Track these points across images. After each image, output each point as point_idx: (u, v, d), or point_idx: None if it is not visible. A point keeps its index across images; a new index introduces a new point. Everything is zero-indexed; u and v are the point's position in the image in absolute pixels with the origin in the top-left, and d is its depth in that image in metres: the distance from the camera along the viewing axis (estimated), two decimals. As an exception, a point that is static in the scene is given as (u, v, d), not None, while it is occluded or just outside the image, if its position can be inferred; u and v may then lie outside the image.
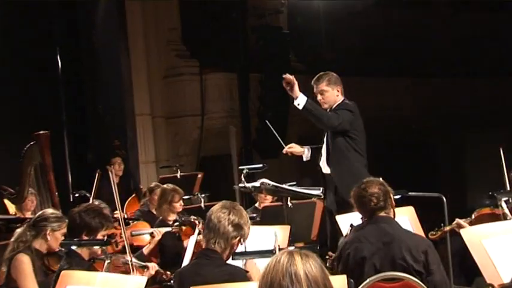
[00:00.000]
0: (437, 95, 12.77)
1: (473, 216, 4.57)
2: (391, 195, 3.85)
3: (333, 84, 5.51)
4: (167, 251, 5.59)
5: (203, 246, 3.49)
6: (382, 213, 3.79)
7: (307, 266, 2.14)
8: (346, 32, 11.99)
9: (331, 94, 5.50)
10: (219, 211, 3.39)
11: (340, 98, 5.54)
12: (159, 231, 5.54)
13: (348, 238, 3.89)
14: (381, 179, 3.98)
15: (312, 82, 5.59)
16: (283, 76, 5.32)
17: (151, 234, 5.55)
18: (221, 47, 10.72)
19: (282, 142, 5.76)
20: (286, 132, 10.13)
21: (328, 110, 5.50)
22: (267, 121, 6.13)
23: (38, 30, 9.34)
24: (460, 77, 12.92)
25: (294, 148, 5.65)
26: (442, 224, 4.97)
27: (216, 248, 3.35)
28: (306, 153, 5.67)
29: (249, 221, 3.51)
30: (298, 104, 5.27)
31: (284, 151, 5.66)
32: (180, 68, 10.86)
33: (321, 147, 5.66)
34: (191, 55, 10.96)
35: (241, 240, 3.40)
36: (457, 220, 4.56)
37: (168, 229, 5.63)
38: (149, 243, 5.53)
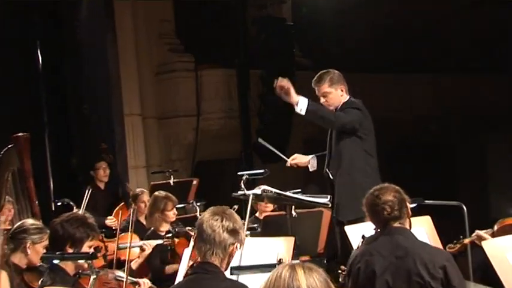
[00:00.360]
0: (456, 93, 12.77)
1: (495, 228, 4.56)
2: (408, 204, 3.83)
3: (336, 83, 5.53)
4: (157, 266, 5.60)
5: (198, 259, 3.48)
6: (397, 224, 3.77)
7: (310, 280, 2.14)
8: (357, 24, 11.99)
9: (335, 95, 5.53)
10: (210, 219, 3.36)
11: (345, 97, 5.58)
12: (150, 244, 5.54)
13: (358, 251, 3.88)
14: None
15: (313, 84, 5.61)
16: (276, 84, 5.34)
17: (141, 248, 5.54)
18: (219, 41, 10.72)
19: (283, 156, 5.78)
20: (290, 135, 10.14)
21: (333, 110, 5.54)
22: (260, 139, 6.15)
23: (17, 22, 9.35)
24: (481, 73, 12.91)
25: (297, 159, 5.68)
26: (462, 236, 4.96)
27: (214, 260, 3.33)
28: (311, 162, 5.70)
29: (243, 224, 3.51)
30: (301, 110, 5.30)
31: (288, 164, 5.69)
32: (173, 63, 10.86)
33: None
34: (185, 49, 10.96)
35: (238, 246, 3.39)
36: (477, 232, 4.55)
37: (160, 241, 5.63)
38: (138, 257, 5.53)
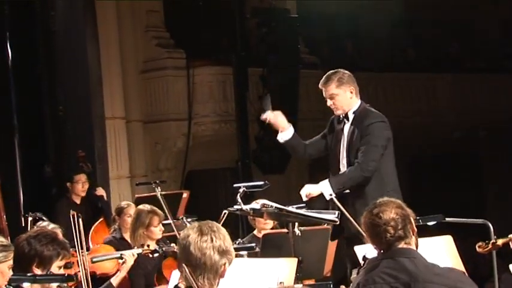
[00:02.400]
0: (483, 96, 12.81)
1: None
2: (411, 220, 3.81)
3: (345, 84, 5.61)
4: (138, 275, 5.62)
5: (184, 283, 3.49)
6: (402, 245, 3.75)
7: None
8: (371, 17, 12.02)
9: (344, 97, 5.61)
10: (198, 240, 3.35)
11: (356, 101, 5.65)
12: (131, 254, 5.55)
13: (360, 278, 3.87)
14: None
15: (320, 85, 5.70)
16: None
17: (121, 258, 5.55)
18: (213, 35, 10.76)
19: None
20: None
21: (342, 113, 5.61)
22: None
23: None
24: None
25: (277, 118, 5.81)
26: (495, 237, 4.97)
27: (204, 284, 3.36)
28: (286, 132, 5.80)
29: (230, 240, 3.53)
30: (330, 195, 5.41)
31: (267, 114, 5.84)
32: (162, 60, 10.90)
33: (319, 140, 5.78)
34: (176, 44, 11.00)
35: (228, 264, 3.41)
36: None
37: (139, 250, 5.65)
38: (118, 270, 5.53)
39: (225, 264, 3.39)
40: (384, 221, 3.72)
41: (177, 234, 5.54)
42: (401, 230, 3.74)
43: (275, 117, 5.87)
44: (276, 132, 6.01)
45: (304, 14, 11.48)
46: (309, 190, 5.60)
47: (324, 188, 5.49)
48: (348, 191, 5.66)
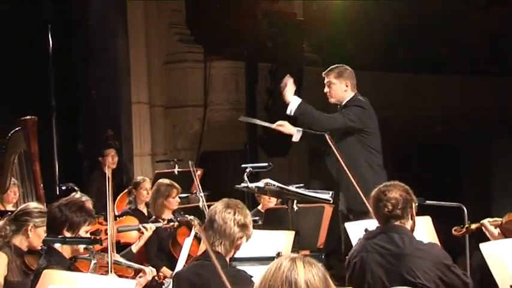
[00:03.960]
0: (465, 94, 12.77)
1: (504, 220, 4.53)
2: (413, 205, 3.81)
3: (343, 77, 5.64)
4: (154, 248, 5.64)
5: (200, 248, 3.53)
6: (397, 223, 3.77)
7: (309, 275, 2.14)
8: (369, 22, 11.97)
9: (338, 87, 5.65)
10: (223, 211, 3.44)
11: (350, 94, 5.67)
12: (150, 227, 5.58)
13: (357, 246, 3.90)
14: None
15: (323, 73, 5.74)
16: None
17: (140, 230, 5.58)
18: (228, 33, 10.72)
19: (267, 124, 5.89)
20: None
21: (338, 106, 5.60)
22: (241, 118, 6.24)
23: (28, 5, 9.37)
24: (491, 75, 12.90)
25: (284, 127, 5.75)
26: (469, 222, 4.96)
27: (220, 249, 3.40)
28: (296, 134, 5.78)
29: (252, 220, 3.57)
30: (291, 111, 5.46)
31: (274, 126, 5.76)
32: (182, 53, 10.89)
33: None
34: (195, 40, 10.98)
35: (245, 240, 3.48)
36: (484, 221, 4.52)
37: (160, 224, 5.67)
38: (138, 239, 5.56)
39: (242, 237, 3.46)
40: (387, 197, 3.77)
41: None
42: (400, 210, 3.76)
43: (281, 128, 5.78)
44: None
45: (309, 18, 11.45)
46: (283, 122, 5.61)
47: (294, 101, 5.52)
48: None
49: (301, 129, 5.83)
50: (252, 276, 3.41)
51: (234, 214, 3.44)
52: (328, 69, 5.75)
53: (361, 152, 5.58)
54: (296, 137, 5.81)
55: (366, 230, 3.98)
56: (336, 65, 5.77)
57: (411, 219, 3.81)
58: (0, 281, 4.09)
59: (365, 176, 5.42)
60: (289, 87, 5.77)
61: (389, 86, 12.55)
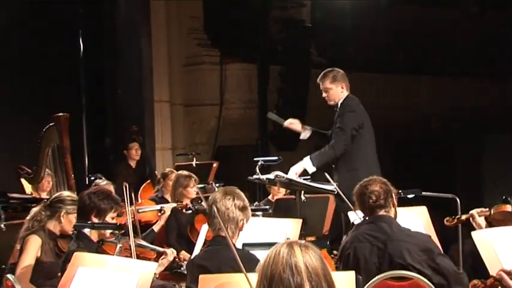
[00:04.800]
0: (459, 94, 12.70)
1: (492, 211, 4.52)
2: (393, 195, 3.85)
3: (338, 81, 5.65)
4: (174, 234, 5.65)
5: (211, 234, 3.54)
6: (382, 212, 3.80)
7: (307, 257, 2.14)
8: (369, 27, 11.94)
9: (336, 91, 5.68)
10: (223, 199, 3.47)
11: (345, 94, 5.69)
12: (168, 207, 5.59)
13: (348, 237, 3.90)
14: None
15: (318, 80, 5.74)
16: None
17: (160, 211, 5.59)
18: (243, 38, 10.73)
19: (280, 119, 5.86)
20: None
21: (334, 104, 5.61)
22: (269, 114, 6.25)
23: (61, 12, 9.40)
24: (484, 77, 12.83)
25: (295, 125, 5.81)
26: (460, 213, 4.95)
27: (228, 232, 3.41)
28: (305, 132, 5.79)
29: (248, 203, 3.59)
30: (311, 170, 5.50)
31: (285, 124, 5.82)
32: (200, 56, 10.88)
33: (327, 135, 5.78)
34: (212, 44, 10.97)
35: (246, 221, 3.51)
36: (472, 212, 4.51)
37: (174, 204, 5.69)
38: (159, 219, 5.57)
39: (243, 219, 3.49)
40: (369, 190, 3.81)
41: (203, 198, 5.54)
42: (382, 200, 3.79)
43: (291, 125, 5.90)
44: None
45: (316, 24, 11.43)
46: (295, 170, 5.57)
47: (307, 165, 5.51)
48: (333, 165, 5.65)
49: (310, 128, 5.85)
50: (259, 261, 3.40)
51: (234, 200, 3.47)
52: (321, 76, 5.74)
53: (352, 149, 5.61)
54: (306, 135, 5.83)
55: (353, 224, 4.01)
56: (328, 70, 5.77)
57: (393, 207, 3.85)
58: (31, 262, 4.11)
59: (359, 176, 5.41)
60: (294, 126, 5.78)
61: (388, 86, 12.50)
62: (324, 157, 5.62)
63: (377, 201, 3.79)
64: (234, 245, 3.43)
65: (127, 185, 4.51)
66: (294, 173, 5.51)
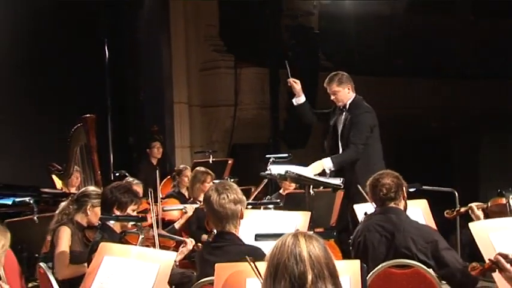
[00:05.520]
0: (457, 96, 12.63)
1: (489, 204, 4.50)
2: (404, 189, 3.81)
3: (344, 83, 5.59)
4: (195, 226, 5.65)
5: (214, 230, 3.48)
6: (392, 204, 3.77)
7: (310, 247, 2.14)
8: (373, 35, 11.90)
9: (343, 93, 5.60)
10: (218, 199, 3.33)
11: (352, 95, 5.63)
12: (191, 207, 5.59)
13: (360, 226, 3.88)
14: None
15: (324, 83, 5.69)
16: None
17: (183, 210, 5.59)
18: (255, 44, 10.72)
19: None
20: (312, 125, 10.11)
21: (342, 106, 5.56)
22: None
23: (89, 23, 9.45)
24: (476, 79, 12.75)
25: (296, 84, 5.80)
26: (459, 206, 4.92)
27: (230, 228, 3.35)
28: (299, 97, 5.80)
29: (238, 187, 3.48)
30: (330, 169, 5.35)
31: (289, 80, 5.85)
32: (216, 61, 10.88)
33: (324, 113, 5.74)
34: (227, 50, 10.97)
35: (243, 208, 3.39)
36: (471, 205, 4.49)
37: (197, 205, 5.68)
38: (181, 218, 5.57)
39: (241, 209, 3.38)
40: (381, 183, 3.77)
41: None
42: (393, 193, 3.75)
43: (294, 83, 5.82)
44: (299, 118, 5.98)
45: (323, 31, 11.40)
46: (315, 171, 5.42)
47: (327, 165, 5.39)
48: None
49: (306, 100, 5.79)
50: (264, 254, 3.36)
51: (228, 196, 3.33)
52: (328, 79, 5.65)
53: (372, 147, 5.55)
54: (298, 100, 5.81)
55: (366, 214, 3.98)
56: (333, 74, 5.68)
57: (403, 200, 3.81)
58: (67, 249, 4.14)
59: (378, 170, 5.36)
60: (297, 84, 5.75)
61: (390, 88, 12.44)
62: (345, 158, 5.50)
63: (388, 194, 3.75)
64: (240, 239, 3.36)
65: (151, 191, 4.52)
66: (311, 171, 5.38)
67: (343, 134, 5.61)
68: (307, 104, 5.88)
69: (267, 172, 5.22)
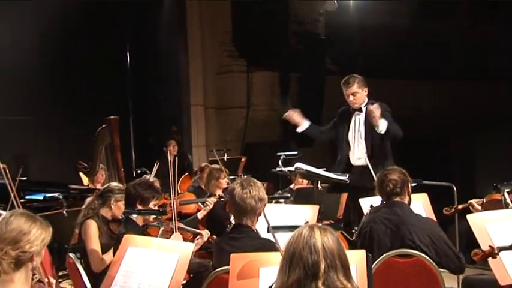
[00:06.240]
0: (455, 97, 12.57)
1: (485, 200, 4.50)
2: (409, 185, 3.80)
3: (362, 85, 5.47)
4: (214, 219, 5.65)
5: (232, 221, 3.49)
6: (397, 199, 3.76)
7: (324, 239, 2.15)
8: (374, 39, 11.87)
9: (362, 95, 5.45)
10: (241, 192, 3.33)
11: (366, 98, 5.52)
12: (212, 201, 5.58)
13: (366, 218, 3.88)
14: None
15: (342, 84, 5.50)
16: (368, 109, 5.22)
17: (204, 204, 5.59)
18: (266, 50, 10.72)
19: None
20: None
21: (357, 107, 5.49)
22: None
23: (112, 30, 9.49)
24: (473, 81, 12.68)
25: (294, 116, 5.63)
26: (456, 203, 4.91)
27: (246, 222, 3.36)
28: (302, 125, 5.62)
29: (263, 187, 3.45)
30: (381, 130, 5.22)
31: (284, 116, 5.66)
32: (230, 66, 10.90)
33: (331, 128, 5.62)
34: (240, 55, 10.98)
35: (263, 207, 3.38)
36: (471, 201, 4.49)
37: (215, 199, 5.69)
38: (204, 209, 5.56)
39: (260, 208, 3.37)
40: (388, 179, 3.76)
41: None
42: (399, 188, 3.75)
43: (290, 116, 5.69)
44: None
45: (329, 37, 11.38)
46: (377, 113, 5.22)
47: (383, 124, 5.26)
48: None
49: (310, 123, 5.71)
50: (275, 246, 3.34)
51: (250, 192, 3.32)
52: (346, 81, 5.44)
53: (388, 146, 5.49)
54: (302, 128, 5.70)
55: (371, 206, 3.97)
56: (350, 76, 5.48)
57: (408, 195, 3.81)
58: (97, 241, 4.15)
59: (391, 163, 5.30)
60: (295, 115, 5.65)
61: (391, 90, 12.40)
62: (396, 127, 5.38)
63: (394, 189, 3.75)
64: (255, 232, 3.36)
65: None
66: (373, 109, 5.20)
67: (367, 133, 5.44)
68: (312, 126, 5.69)
69: (278, 169, 5.21)
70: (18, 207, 3.87)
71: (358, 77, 5.51)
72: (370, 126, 5.37)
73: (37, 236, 2.35)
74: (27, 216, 2.39)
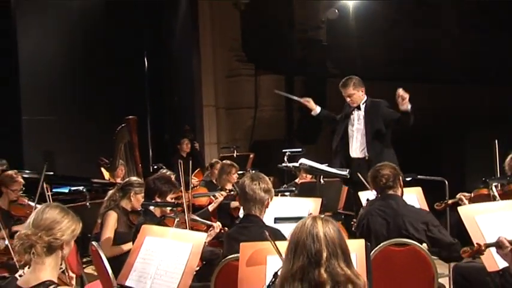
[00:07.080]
0: (448, 98, 12.52)
1: (472, 194, 4.49)
2: (400, 178, 3.82)
3: (358, 86, 5.49)
4: (224, 210, 5.67)
5: (240, 213, 3.50)
6: (391, 192, 3.77)
7: (326, 229, 2.16)
8: (373, 44, 11.84)
9: (358, 95, 5.49)
10: (250, 184, 3.36)
11: (364, 96, 5.54)
12: (222, 194, 5.60)
13: (364, 211, 3.88)
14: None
15: (340, 86, 5.55)
16: (399, 93, 5.18)
17: (215, 196, 5.60)
18: (272, 55, 10.72)
19: (297, 99, 5.75)
20: (321, 126, 10.09)
21: (356, 105, 5.50)
22: (276, 91, 6.07)
23: (131, 36, 9.52)
24: (464, 84, 12.63)
25: (310, 103, 5.65)
26: (447, 198, 4.90)
27: (255, 212, 3.37)
28: (316, 110, 5.65)
29: (271, 183, 3.48)
30: (407, 110, 5.34)
31: (302, 100, 5.65)
32: (239, 70, 10.90)
33: (337, 122, 5.60)
34: (248, 60, 10.98)
35: (270, 199, 3.40)
36: (460, 195, 4.48)
37: (224, 193, 5.69)
38: (214, 202, 5.58)
39: (268, 199, 3.39)
40: (381, 174, 3.77)
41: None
42: (391, 182, 3.75)
43: (308, 103, 5.72)
44: (310, 118, 5.95)
45: (331, 43, 11.37)
46: (406, 95, 5.32)
47: (409, 105, 5.35)
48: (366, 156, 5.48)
49: (322, 108, 5.74)
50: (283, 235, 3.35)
51: (259, 184, 3.34)
52: (343, 83, 5.48)
53: (389, 141, 5.49)
54: (315, 112, 5.73)
55: (368, 200, 3.98)
56: (347, 78, 5.56)
57: (400, 187, 3.82)
58: (112, 232, 4.18)
59: (392, 153, 5.33)
60: (308, 104, 5.66)
61: (388, 91, 12.36)
62: (412, 117, 5.39)
63: (387, 183, 3.76)
64: (263, 222, 3.37)
65: (181, 162, 4.52)
66: (402, 93, 5.20)
67: (367, 129, 5.46)
68: (324, 111, 5.75)
69: (283, 164, 5.22)
70: (48, 200, 3.92)
71: (355, 79, 5.52)
72: (369, 120, 5.42)
73: (68, 226, 2.41)
74: (61, 208, 2.47)
